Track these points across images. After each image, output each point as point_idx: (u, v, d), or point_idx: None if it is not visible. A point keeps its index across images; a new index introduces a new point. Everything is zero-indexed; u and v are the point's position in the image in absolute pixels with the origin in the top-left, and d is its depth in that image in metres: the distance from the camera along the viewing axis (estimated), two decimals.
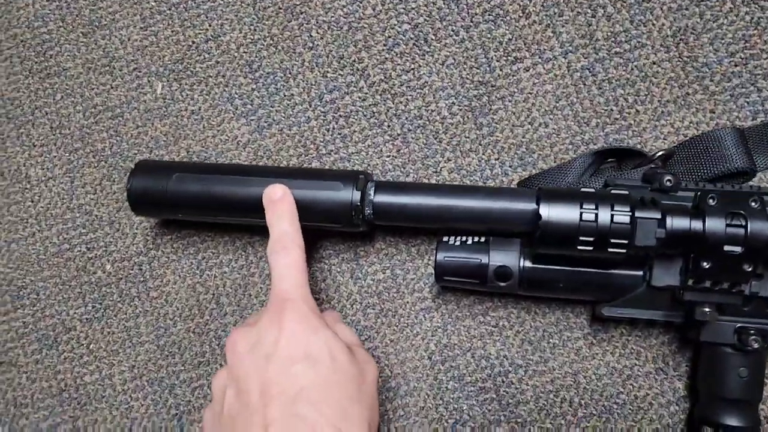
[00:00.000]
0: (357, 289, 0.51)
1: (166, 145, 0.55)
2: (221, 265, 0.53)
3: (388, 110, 0.52)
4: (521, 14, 0.51)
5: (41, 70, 0.58)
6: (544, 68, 0.50)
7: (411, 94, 0.52)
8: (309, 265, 0.52)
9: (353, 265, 0.51)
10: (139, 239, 0.55)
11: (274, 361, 0.36)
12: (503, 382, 0.48)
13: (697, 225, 0.38)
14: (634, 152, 0.46)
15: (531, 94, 0.50)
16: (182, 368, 0.53)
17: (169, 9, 0.56)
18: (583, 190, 0.40)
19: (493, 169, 0.50)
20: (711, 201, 0.38)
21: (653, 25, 0.49)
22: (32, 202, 0.57)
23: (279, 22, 0.54)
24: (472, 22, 0.51)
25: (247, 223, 0.51)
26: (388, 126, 0.52)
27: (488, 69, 0.51)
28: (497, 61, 0.51)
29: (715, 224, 0.37)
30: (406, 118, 0.52)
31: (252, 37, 0.55)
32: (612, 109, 0.49)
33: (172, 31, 0.56)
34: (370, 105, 0.52)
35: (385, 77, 0.52)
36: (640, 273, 0.41)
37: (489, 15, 0.51)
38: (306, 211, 0.44)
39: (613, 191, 0.40)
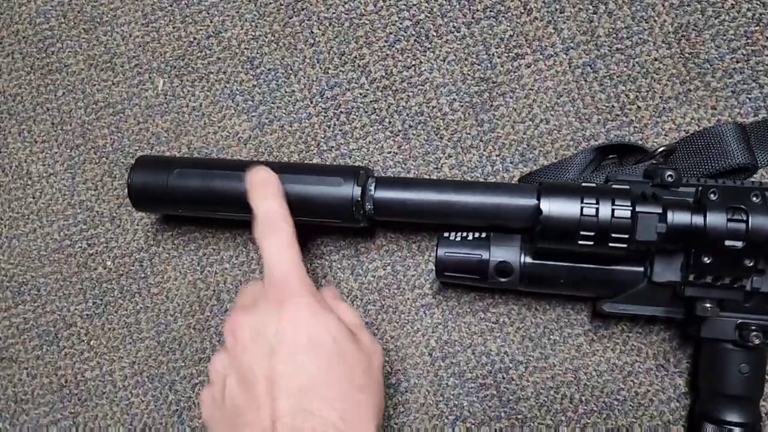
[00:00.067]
0: (357, 285, 0.51)
1: (167, 141, 0.55)
2: (222, 262, 0.53)
3: (389, 106, 0.52)
4: (522, 10, 0.51)
5: (43, 66, 0.58)
6: (545, 64, 0.50)
7: (412, 90, 0.52)
8: (309, 261, 0.52)
9: (354, 261, 0.51)
10: (140, 235, 0.55)
11: (279, 352, 0.35)
12: (504, 378, 0.48)
13: (698, 220, 0.37)
14: (636, 148, 0.46)
15: (532, 90, 0.50)
16: (183, 364, 0.53)
17: (171, 5, 0.56)
18: (584, 184, 0.40)
19: (494, 165, 0.50)
20: (712, 196, 0.38)
21: (655, 21, 0.49)
22: (33, 198, 0.57)
23: (280, 18, 0.54)
24: (473, 18, 0.51)
25: (248, 219, 0.51)
26: (389, 122, 0.52)
27: (489, 65, 0.51)
28: (498, 57, 0.51)
29: (716, 219, 0.37)
30: (407, 115, 0.52)
31: (253, 33, 0.55)
32: (613, 105, 0.49)
33: (174, 28, 0.56)
34: (371, 101, 0.52)
35: (386, 73, 0.52)
36: (641, 269, 0.41)
37: (490, 11, 0.51)
38: (307, 207, 0.44)
39: (614, 186, 0.40)
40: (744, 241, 0.37)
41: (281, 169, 0.45)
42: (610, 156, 0.48)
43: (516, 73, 0.50)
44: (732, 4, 0.48)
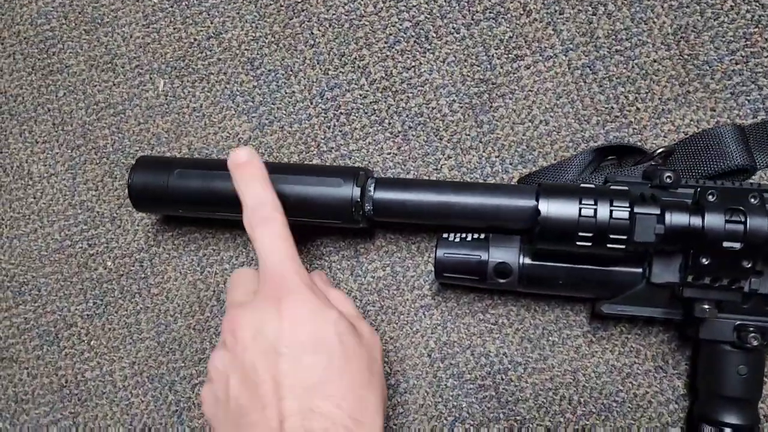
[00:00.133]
0: (357, 286, 0.51)
1: (167, 142, 0.55)
2: (222, 262, 0.53)
3: (388, 107, 0.52)
4: (522, 12, 0.51)
5: (44, 67, 0.58)
6: (544, 66, 0.50)
7: (412, 91, 0.52)
8: (309, 262, 0.52)
9: (353, 262, 0.51)
10: (140, 236, 0.55)
11: (284, 351, 0.35)
12: (502, 379, 0.48)
13: (696, 221, 0.37)
14: (635, 149, 0.46)
15: (531, 91, 0.50)
16: (182, 365, 0.53)
17: (171, 6, 0.56)
18: (582, 185, 0.40)
19: (494, 166, 0.50)
20: (710, 197, 0.38)
21: (654, 22, 0.49)
22: (34, 198, 0.57)
23: (280, 19, 0.54)
24: (473, 19, 0.51)
25: None
26: (389, 123, 0.52)
27: (489, 66, 0.51)
28: (498, 58, 0.51)
29: (714, 220, 0.37)
30: (407, 116, 0.52)
31: (253, 34, 0.55)
32: (612, 107, 0.49)
33: (174, 29, 0.56)
34: (370, 102, 0.52)
35: (386, 74, 0.52)
36: (640, 270, 0.41)
37: (490, 12, 0.51)
38: (306, 208, 0.44)
39: (612, 187, 0.40)
40: (742, 242, 0.37)
41: (281, 169, 0.45)
42: (609, 157, 0.48)
43: (515, 75, 0.50)
44: (731, 6, 0.48)
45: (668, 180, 0.40)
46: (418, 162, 0.51)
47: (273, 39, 0.54)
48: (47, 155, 0.57)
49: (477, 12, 0.51)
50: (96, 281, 0.55)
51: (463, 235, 0.44)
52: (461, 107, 0.51)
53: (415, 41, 0.52)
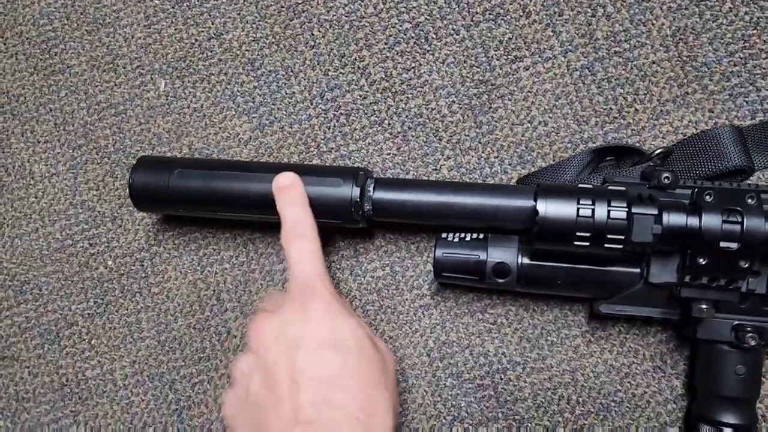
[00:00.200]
0: (356, 285, 0.51)
1: (168, 142, 0.55)
2: (222, 262, 0.54)
3: (388, 108, 0.52)
4: (521, 13, 0.51)
5: (46, 67, 0.58)
6: (543, 67, 0.50)
7: (411, 92, 0.52)
8: None
9: (353, 262, 0.52)
10: (141, 235, 0.55)
11: (303, 348, 0.36)
12: (501, 379, 0.49)
13: (693, 221, 0.38)
14: (633, 150, 0.46)
15: (531, 92, 0.50)
16: (183, 364, 0.53)
17: (173, 7, 0.57)
18: (580, 186, 0.40)
19: (493, 167, 0.50)
20: (708, 197, 0.38)
21: (653, 24, 0.49)
22: (36, 198, 0.57)
23: (281, 20, 0.55)
24: (472, 21, 0.52)
25: (248, 219, 0.51)
26: (389, 124, 0.52)
27: (488, 68, 0.51)
28: (497, 59, 0.51)
29: (711, 220, 0.37)
30: (407, 116, 0.52)
31: (254, 35, 0.55)
32: (611, 108, 0.49)
33: (175, 29, 0.56)
34: (370, 103, 0.53)
35: (385, 75, 0.53)
36: (638, 270, 0.42)
37: (489, 14, 0.51)
38: None
39: (610, 187, 0.40)
40: (739, 242, 0.37)
41: (281, 169, 0.46)
42: (608, 158, 0.48)
43: (515, 76, 0.51)
44: (730, 8, 0.48)
45: (666, 180, 0.41)
46: (417, 162, 0.51)
47: (273, 40, 0.55)
48: (49, 155, 0.57)
49: (477, 13, 0.52)
50: (97, 280, 0.55)
51: (462, 235, 0.45)
52: (461, 108, 0.51)
53: (414, 42, 0.52)
